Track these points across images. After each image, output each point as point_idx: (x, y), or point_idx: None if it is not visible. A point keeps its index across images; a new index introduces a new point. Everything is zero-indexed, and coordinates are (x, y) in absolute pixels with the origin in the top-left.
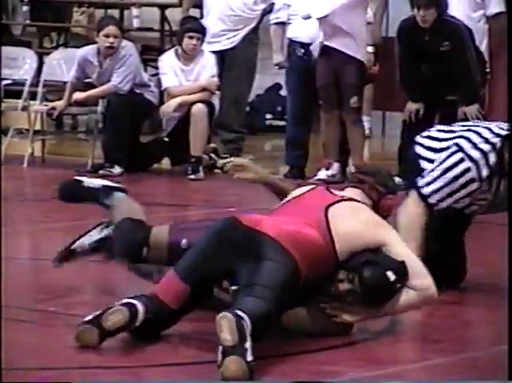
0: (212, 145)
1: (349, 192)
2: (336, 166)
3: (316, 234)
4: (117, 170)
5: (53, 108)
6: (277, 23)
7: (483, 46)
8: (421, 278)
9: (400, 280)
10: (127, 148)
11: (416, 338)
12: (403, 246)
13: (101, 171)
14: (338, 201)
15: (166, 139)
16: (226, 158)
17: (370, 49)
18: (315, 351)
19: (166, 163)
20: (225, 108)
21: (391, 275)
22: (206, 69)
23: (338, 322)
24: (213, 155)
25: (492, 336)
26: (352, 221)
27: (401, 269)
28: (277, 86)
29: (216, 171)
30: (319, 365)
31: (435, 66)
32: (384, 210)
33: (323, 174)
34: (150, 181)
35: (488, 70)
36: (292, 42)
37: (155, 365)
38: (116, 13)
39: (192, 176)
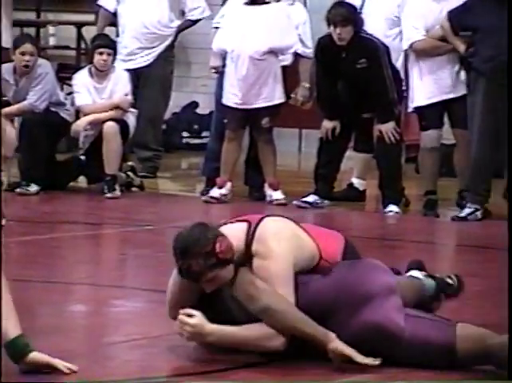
0: (129, 163)
1: (233, 225)
2: (229, 185)
3: None
4: (34, 188)
5: None
6: (217, 27)
7: (399, 64)
8: None
9: None
10: (43, 166)
11: None
12: None
13: (18, 190)
14: None
15: (82, 157)
16: (143, 177)
17: (306, 84)
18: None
19: (82, 181)
20: (141, 126)
21: None
22: (119, 87)
23: None
24: (130, 173)
25: None
26: None
27: None
28: (194, 104)
29: (133, 189)
30: None
31: (352, 84)
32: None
33: (216, 192)
34: (66, 199)
35: (404, 88)
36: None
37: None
38: (32, 31)
39: (108, 194)
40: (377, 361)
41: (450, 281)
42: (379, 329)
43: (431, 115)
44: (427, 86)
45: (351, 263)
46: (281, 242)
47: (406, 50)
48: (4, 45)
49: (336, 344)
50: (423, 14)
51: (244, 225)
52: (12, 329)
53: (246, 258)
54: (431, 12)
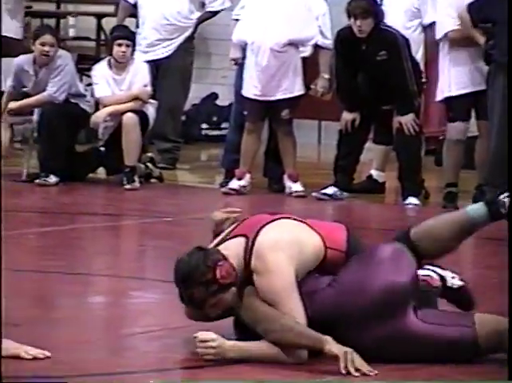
0: (149, 154)
1: (232, 241)
2: (248, 177)
3: None
4: (53, 179)
5: None
6: (237, 19)
7: (419, 56)
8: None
9: None
10: (62, 157)
11: None
12: None
13: (37, 181)
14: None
15: (102, 148)
16: (162, 168)
17: (326, 75)
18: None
19: (101, 172)
20: (161, 117)
21: None
22: (138, 78)
23: None
24: (149, 164)
25: None
26: None
27: None
28: (214, 96)
29: (152, 180)
30: None
31: (372, 76)
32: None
33: (235, 184)
34: (86, 190)
35: (424, 80)
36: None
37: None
38: (52, 22)
39: (127, 186)
40: (372, 373)
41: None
42: (400, 334)
43: (459, 106)
44: (460, 77)
45: (358, 263)
46: (279, 253)
47: (440, 39)
48: (14, 35)
49: (330, 346)
50: (458, 5)
51: (242, 240)
52: None
53: (247, 275)
54: (465, 2)
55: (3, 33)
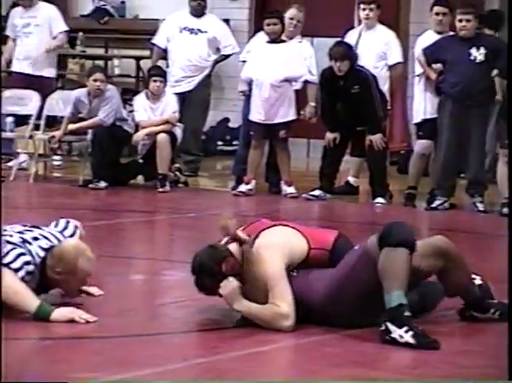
0: (176, 165)
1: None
2: (253, 182)
3: None
4: (102, 184)
5: (53, 137)
6: (244, 61)
7: (385, 89)
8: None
9: None
10: (110, 167)
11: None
12: None
13: (90, 185)
14: None
15: (140, 160)
16: (187, 176)
17: (312, 103)
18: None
19: (140, 179)
20: (186, 137)
21: None
22: (169, 107)
23: None
24: (177, 173)
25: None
26: None
27: None
28: (226, 120)
29: (180, 185)
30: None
31: (348, 105)
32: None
33: (243, 187)
34: (128, 193)
35: (389, 108)
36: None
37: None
38: (101, 63)
39: (160, 189)
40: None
41: None
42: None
43: (428, 128)
44: (430, 105)
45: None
46: (272, 251)
47: (418, 75)
48: (53, 76)
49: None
50: None
51: None
52: (32, 302)
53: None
54: None
55: (44, 74)
